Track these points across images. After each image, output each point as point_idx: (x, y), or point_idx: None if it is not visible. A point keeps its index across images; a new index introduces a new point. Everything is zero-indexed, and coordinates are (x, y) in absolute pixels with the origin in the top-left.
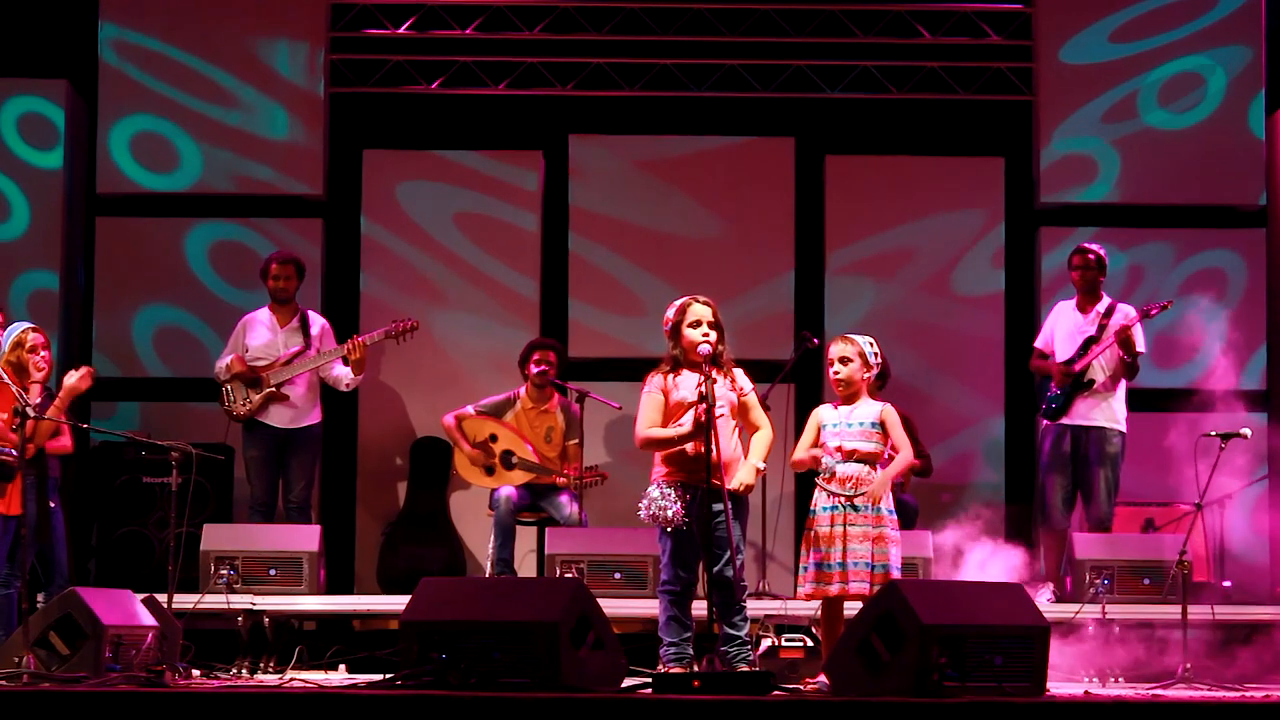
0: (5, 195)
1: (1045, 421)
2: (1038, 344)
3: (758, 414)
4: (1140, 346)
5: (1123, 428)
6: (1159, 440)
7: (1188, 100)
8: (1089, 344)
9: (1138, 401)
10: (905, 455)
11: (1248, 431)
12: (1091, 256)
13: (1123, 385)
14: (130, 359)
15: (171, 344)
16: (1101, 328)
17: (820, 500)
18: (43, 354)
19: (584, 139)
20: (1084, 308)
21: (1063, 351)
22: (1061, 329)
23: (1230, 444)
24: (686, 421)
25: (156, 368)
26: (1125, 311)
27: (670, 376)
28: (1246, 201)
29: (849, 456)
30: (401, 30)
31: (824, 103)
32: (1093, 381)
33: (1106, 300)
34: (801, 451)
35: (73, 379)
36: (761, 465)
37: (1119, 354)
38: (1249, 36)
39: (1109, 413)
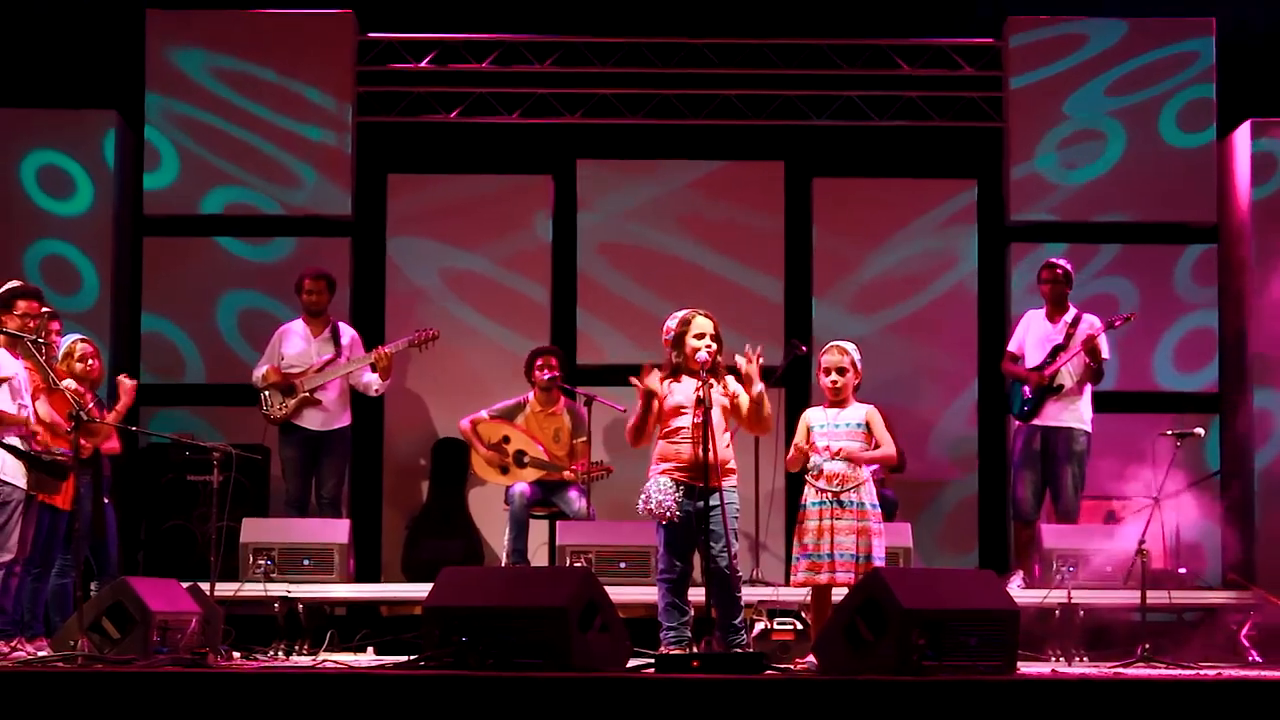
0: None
1: (1017, 422)
2: (1010, 347)
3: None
4: (1105, 354)
5: (1088, 428)
6: (1121, 439)
7: (1145, 127)
8: (1057, 351)
9: (1102, 404)
10: (886, 450)
11: (1201, 431)
12: (1060, 271)
13: (1088, 389)
14: (176, 367)
15: (215, 353)
16: (1069, 336)
17: (809, 496)
18: (92, 362)
19: (590, 163)
20: (1053, 317)
21: (1033, 357)
22: (1032, 336)
23: (1185, 442)
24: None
25: (199, 373)
26: (1091, 321)
27: (668, 382)
28: (1200, 219)
29: (836, 455)
30: (423, 64)
31: (811, 129)
32: (1061, 386)
33: (1073, 310)
34: (793, 451)
35: (126, 386)
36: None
37: (1085, 361)
38: (1202, 70)
39: (1076, 414)
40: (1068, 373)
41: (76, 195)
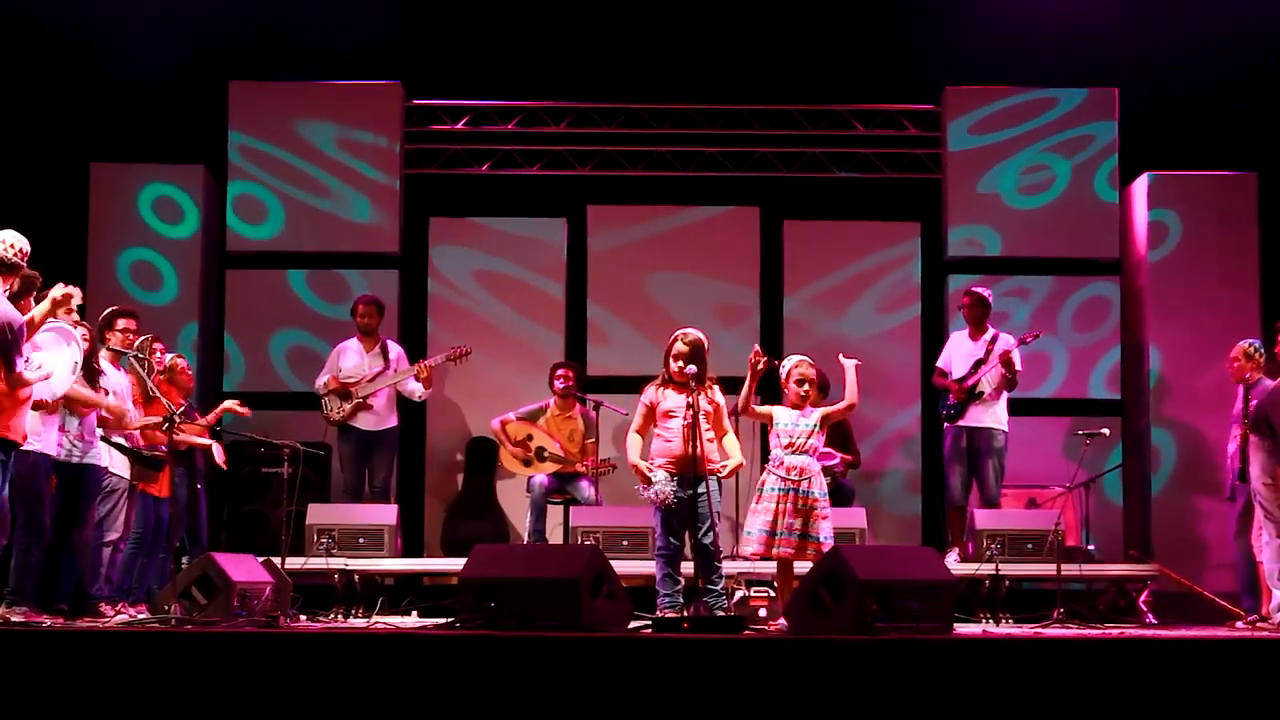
0: (157, 268)
1: (946, 424)
2: (939, 364)
3: (725, 423)
4: (1018, 366)
5: (1005, 428)
6: (1040, 437)
7: (1061, 176)
8: (978, 364)
9: (1025, 408)
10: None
11: (1107, 430)
12: (977, 296)
13: (1004, 396)
14: (253, 376)
15: (286, 364)
16: (988, 351)
17: (770, 482)
18: (189, 372)
19: (599, 208)
20: (974, 336)
21: (958, 370)
22: (958, 353)
23: (1093, 440)
24: (639, 465)
25: (273, 383)
26: (1006, 339)
27: (661, 389)
28: (1105, 254)
29: (797, 451)
30: (459, 126)
31: (782, 180)
32: (982, 393)
33: (991, 330)
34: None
35: (233, 404)
36: (742, 462)
37: (1002, 372)
38: (1107, 128)
39: (995, 416)
40: (987, 382)
41: (187, 222)
